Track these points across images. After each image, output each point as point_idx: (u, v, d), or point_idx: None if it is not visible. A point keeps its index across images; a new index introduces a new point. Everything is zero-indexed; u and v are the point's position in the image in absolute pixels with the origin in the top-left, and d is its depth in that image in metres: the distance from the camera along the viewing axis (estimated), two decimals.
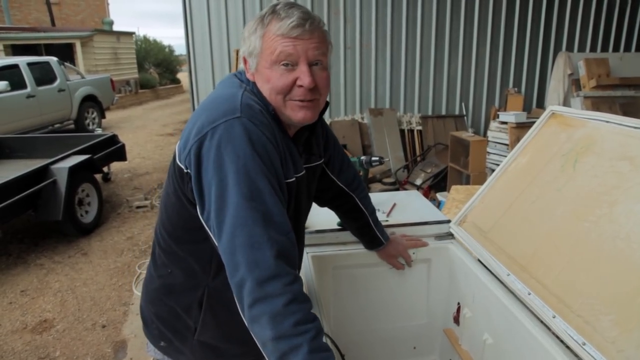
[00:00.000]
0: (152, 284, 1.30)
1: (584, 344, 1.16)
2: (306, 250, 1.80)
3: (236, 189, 0.98)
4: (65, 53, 14.43)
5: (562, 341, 1.25)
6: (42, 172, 4.36)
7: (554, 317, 1.28)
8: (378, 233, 1.72)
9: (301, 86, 1.10)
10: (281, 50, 1.08)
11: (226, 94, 1.12)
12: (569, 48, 6.97)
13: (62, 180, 4.36)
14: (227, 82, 1.20)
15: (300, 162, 1.22)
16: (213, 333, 1.25)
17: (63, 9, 19.07)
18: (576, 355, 1.19)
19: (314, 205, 1.54)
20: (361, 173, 2.18)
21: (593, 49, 7.07)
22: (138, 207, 5.65)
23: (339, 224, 1.85)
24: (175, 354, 1.32)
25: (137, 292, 3.66)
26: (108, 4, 21.88)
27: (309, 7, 6.35)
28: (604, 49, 7.11)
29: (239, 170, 0.99)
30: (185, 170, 1.06)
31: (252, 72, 1.16)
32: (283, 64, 1.09)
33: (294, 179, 1.16)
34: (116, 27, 19.03)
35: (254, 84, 1.17)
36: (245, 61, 1.18)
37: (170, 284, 1.25)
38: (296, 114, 1.14)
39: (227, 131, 1.01)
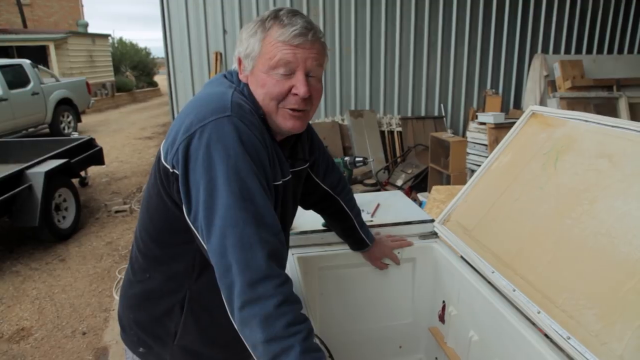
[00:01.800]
0: (131, 289, 1.27)
1: (569, 338, 1.19)
2: (292, 251, 1.79)
3: (226, 189, 0.96)
4: (39, 55, 14.14)
5: (547, 336, 1.27)
6: (17, 177, 4.25)
7: (538, 312, 1.30)
8: (363, 235, 1.72)
9: (296, 94, 1.10)
10: (280, 57, 1.07)
11: (216, 93, 1.10)
12: (545, 50, 7.12)
13: (38, 185, 4.26)
14: (216, 81, 1.19)
15: (287, 167, 1.21)
16: (194, 337, 1.23)
17: (35, 11, 18.65)
18: (561, 349, 1.21)
19: (299, 207, 1.53)
20: (345, 174, 2.19)
21: (567, 50, 7.23)
22: (117, 212, 5.56)
23: (323, 225, 1.86)
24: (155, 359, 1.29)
25: (118, 298, 3.59)
26: (82, 6, 21.51)
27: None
28: (578, 50, 7.27)
29: (230, 169, 0.97)
30: (171, 170, 1.04)
31: (247, 74, 1.15)
32: (281, 71, 1.08)
33: (280, 182, 1.15)
34: (91, 29, 18.74)
35: (245, 85, 1.15)
36: (240, 62, 1.16)
37: (149, 288, 1.22)
38: (286, 122, 1.13)
39: (217, 130, 0.99)
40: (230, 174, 0.97)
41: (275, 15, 1.09)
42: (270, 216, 1.00)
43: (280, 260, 0.99)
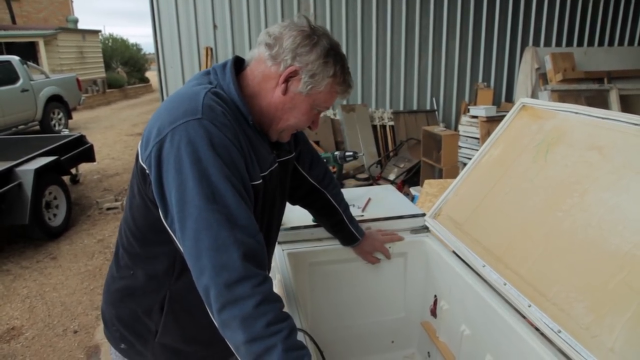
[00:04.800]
0: (114, 285, 1.26)
1: (559, 331, 1.18)
2: (282, 247, 1.78)
3: (198, 192, 0.96)
4: (28, 52, 13.98)
5: (538, 329, 1.27)
6: (7, 175, 4.20)
7: (529, 306, 1.30)
8: (353, 229, 1.71)
9: (310, 127, 1.24)
10: (329, 105, 1.20)
11: (189, 93, 1.08)
12: (536, 43, 7.12)
13: (28, 182, 4.21)
14: (194, 80, 1.16)
15: (270, 158, 1.21)
16: (175, 336, 1.23)
17: (24, 7, 18.42)
18: (552, 342, 1.21)
19: (288, 203, 1.52)
20: (335, 169, 2.17)
21: (558, 43, 7.23)
22: (108, 209, 5.52)
23: (314, 220, 1.84)
24: (137, 356, 1.28)
25: None
26: (72, 2, 21.29)
27: (278, 4, 6.32)
28: (569, 43, 7.28)
29: (200, 173, 0.96)
30: (147, 171, 1.04)
31: (295, 92, 1.12)
32: (318, 110, 1.19)
33: (260, 180, 1.14)
34: (81, 25, 18.57)
35: (233, 83, 1.11)
36: (293, 72, 1.11)
37: (131, 285, 1.21)
38: (288, 138, 1.25)
39: (187, 133, 0.98)
40: (201, 177, 0.96)
41: (342, 66, 1.15)
42: (245, 217, 0.99)
43: (257, 260, 0.98)
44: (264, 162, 1.17)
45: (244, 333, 0.91)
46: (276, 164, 1.23)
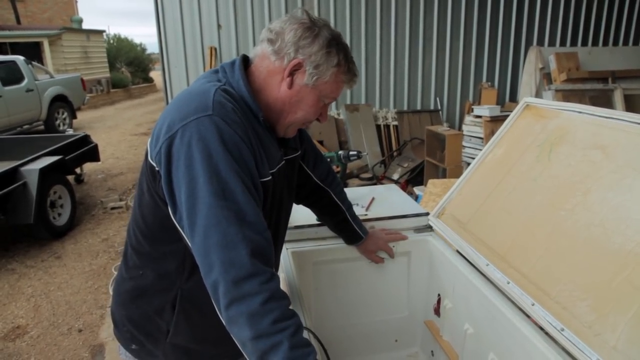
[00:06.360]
0: (123, 285, 1.26)
1: (563, 329, 1.18)
2: (286, 246, 1.79)
3: (208, 189, 0.96)
4: (33, 52, 14.05)
5: (541, 328, 1.27)
6: (11, 175, 4.23)
7: (532, 304, 1.30)
8: (356, 227, 1.72)
9: (317, 120, 1.23)
10: (337, 95, 1.19)
11: (199, 90, 1.08)
12: (540, 42, 7.10)
13: (33, 182, 4.23)
14: (203, 78, 1.17)
15: (278, 155, 1.21)
16: (186, 335, 1.23)
17: (28, 7, 18.52)
18: (555, 341, 1.21)
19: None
20: (339, 168, 2.18)
21: (563, 43, 7.21)
22: (113, 208, 5.54)
23: (318, 219, 1.85)
24: (148, 357, 1.28)
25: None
26: (76, 2, 21.37)
27: (282, 4, 6.33)
28: (573, 43, 7.26)
29: (211, 169, 0.97)
30: (156, 168, 1.04)
31: (300, 84, 1.13)
32: (326, 102, 1.19)
33: (269, 177, 1.15)
34: (85, 25, 18.64)
35: (243, 80, 1.12)
36: (297, 65, 1.12)
37: (142, 285, 1.21)
38: (294, 133, 1.25)
39: (198, 129, 0.99)
40: (211, 174, 0.97)
41: (346, 56, 1.15)
42: (254, 214, 0.99)
43: (265, 257, 0.98)
44: (273, 160, 1.17)
45: (251, 329, 0.91)
46: (283, 162, 1.24)
